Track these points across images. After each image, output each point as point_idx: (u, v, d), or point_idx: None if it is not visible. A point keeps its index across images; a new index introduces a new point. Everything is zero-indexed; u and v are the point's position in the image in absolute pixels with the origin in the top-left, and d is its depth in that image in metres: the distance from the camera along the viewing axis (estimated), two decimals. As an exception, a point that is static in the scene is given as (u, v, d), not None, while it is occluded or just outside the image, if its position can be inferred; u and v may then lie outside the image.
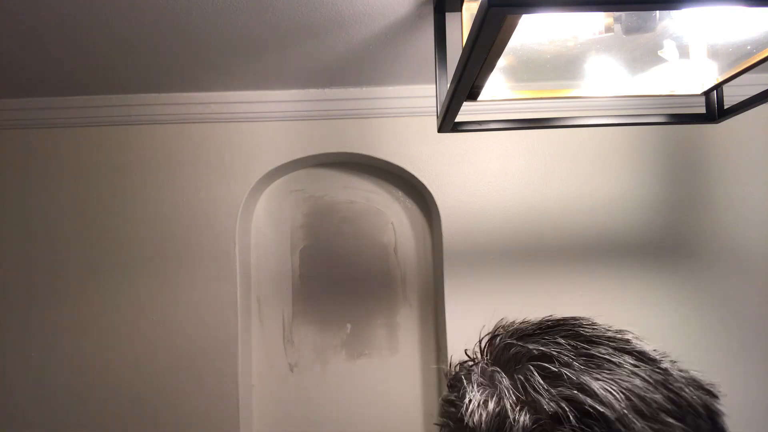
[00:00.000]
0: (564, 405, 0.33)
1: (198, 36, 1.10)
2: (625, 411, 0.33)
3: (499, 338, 0.43)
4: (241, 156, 1.46)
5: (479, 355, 0.44)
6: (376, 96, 1.42)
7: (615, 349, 0.38)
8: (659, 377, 0.36)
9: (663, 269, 1.44)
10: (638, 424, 0.33)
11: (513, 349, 0.40)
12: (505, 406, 0.35)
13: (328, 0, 0.98)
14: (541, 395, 0.35)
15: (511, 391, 0.36)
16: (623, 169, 1.46)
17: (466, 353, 0.45)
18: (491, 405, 0.36)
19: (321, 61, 1.25)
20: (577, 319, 0.42)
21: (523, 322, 0.44)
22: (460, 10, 0.84)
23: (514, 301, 1.43)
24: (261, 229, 1.60)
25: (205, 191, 1.45)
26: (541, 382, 0.35)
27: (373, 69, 1.30)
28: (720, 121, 1.00)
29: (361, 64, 1.27)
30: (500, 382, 0.37)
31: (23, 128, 1.45)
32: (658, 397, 0.34)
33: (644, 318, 1.43)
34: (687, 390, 0.36)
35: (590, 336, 0.39)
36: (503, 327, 0.45)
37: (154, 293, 1.43)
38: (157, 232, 1.44)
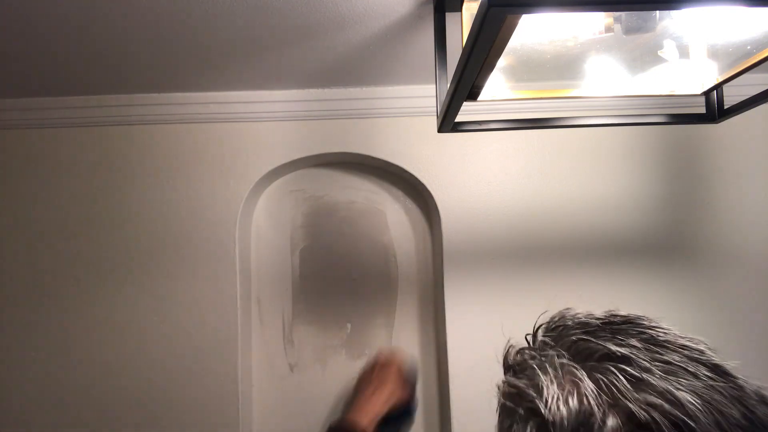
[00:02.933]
0: (655, 414, 0.33)
1: (198, 36, 1.10)
2: (709, 426, 0.32)
3: (561, 328, 0.42)
4: (241, 156, 1.46)
5: (541, 343, 0.42)
6: (376, 96, 1.42)
7: (689, 358, 0.38)
8: (735, 393, 0.36)
9: (663, 269, 1.44)
10: None
11: (586, 344, 0.39)
12: (591, 404, 0.34)
13: (328, 0, 0.98)
14: (629, 400, 0.34)
15: (596, 392, 0.35)
16: (623, 169, 1.46)
17: (526, 338, 0.44)
18: (574, 402, 0.35)
19: (321, 61, 1.25)
20: (643, 319, 0.42)
21: (587, 314, 0.44)
22: (460, 10, 0.84)
23: (514, 301, 1.43)
24: (261, 229, 1.60)
25: (205, 191, 1.45)
26: (627, 386, 0.35)
27: (373, 69, 1.30)
28: (720, 121, 1.00)
29: (361, 64, 1.27)
30: (581, 380, 0.36)
31: (23, 128, 1.45)
32: (735, 413, 0.34)
33: (644, 318, 1.43)
34: (759, 408, 0.36)
35: (664, 341, 0.39)
36: (569, 318, 0.44)
37: (153, 293, 1.43)
38: (156, 232, 1.44)
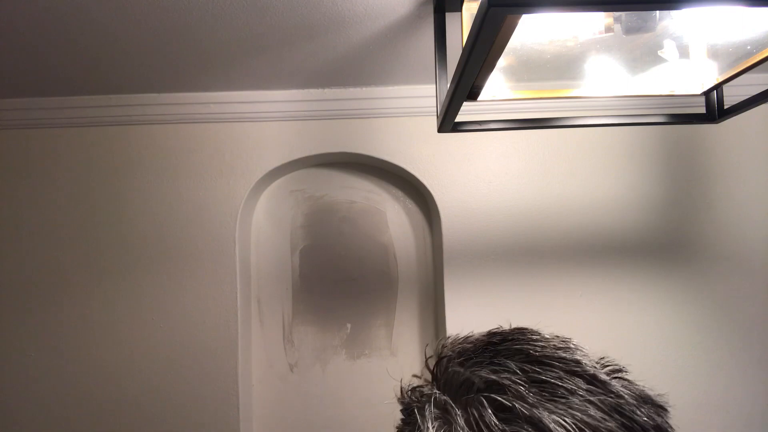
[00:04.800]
0: None
1: (198, 36, 1.10)
2: None
3: (446, 359, 0.42)
4: (241, 156, 1.46)
5: (431, 379, 0.43)
6: (376, 96, 1.42)
7: (566, 371, 0.37)
8: (612, 401, 0.36)
9: (663, 269, 1.44)
10: None
11: (462, 377, 0.39)
12: None
13: (328, 0, 0.98)
14: None
15: (465, 430, 0.35)
16: (623, 169, 1.46)
17: (415, 376, 0.44)
18: None
19: (321, 61, 1.25)
20: (525, 334, 0.42)
21: (467, 339, 0.43)
22: (460, 10, 0.84)
23: (514, 301, 1.43)
24: (261, 229, 1.60)
25: (205, 191, 1.45)
26: (494, 420, 0.35)
27: (373, 69, 1.30)
28: (720, 121, 1.00)
29: (361, 64, 1.27)
30: (454, 419, 0.36)
31: (23, 128, 1.45)
32: (612, 425, 0.34)
33: (644, 317, 1.43)
34: (638, 412, 0.36)
35: (540, 357, 0.39)
36: (449, 346, 0.44)
37: (153, 293, 1.42)
38: (156, 232, 1.44)
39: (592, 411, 0.35)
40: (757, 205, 1.46)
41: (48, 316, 1.42)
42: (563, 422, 0.33)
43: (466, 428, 0.35)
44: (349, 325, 1.59)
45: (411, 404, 0.41)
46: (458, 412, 0.36)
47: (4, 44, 1.10)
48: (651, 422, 0.36)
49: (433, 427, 0.37)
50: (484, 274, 1.44)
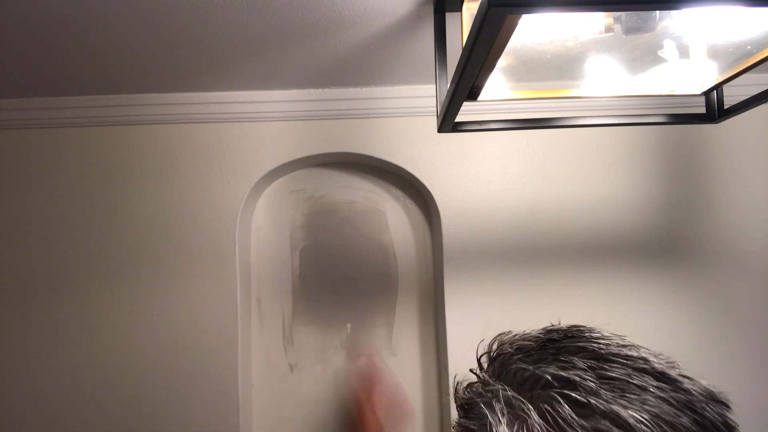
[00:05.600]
0: None
1: (198, 36, 1.10)
2: None
3: (503, 357, 0.42)
4: (241, 156, 1.46)
5: (485, 375, 0.42)
6: (376, 96, 1.42)
7: (635, 369, 0.37)
8: (683, 398, 0.36)
9: (663, 269, 1.44)
10: None
11: (527, 373, 0.39)
12: None
13: (328, 0, 0.98)
14: (575, 429, 0.34)
15: (542, 426, 0.35)
16: (623, 169, 1.46)
17: (472, 372, 0.43)
18: None
19: (321, 61, 1.25)
20: (583, 331, 0.41)
21: (525, 335, 0.43)
22: (460, 10, 0.84)
23: (514, 301, 1.43)
24: (261, 229, 1.60)
25: (205, 191, 1.45)
26: (573, 415, 0.34)
27: (373, 69, 1.30)
28: (720, 121, 1.00)
29: (361, 64, 1.27)
30: (527, 414, 0.36)
31: (23, 128, 1.45)
32: (685, 420, 0.34)
33: (644, 318, 1.43)
34: (708, 408, 0.36)
35: (606, 354, 0.39)
36: (506, 342, 0.43)
37: (153, 293, 1.43)
38: (156, 232, 1.44)
39: (666, 407, 0.35)
40: (757, 205, 1.46)
41: (48, 316, 1.42)
42: (641, 417, 0.33)
43: (542, 423, 0.35)
44: (349, 325, 1.59)
45: (473, 399, 0.40)
46: (530, 407, 0.36)
47: (4, 44, 1.10)
48: (720, 419, 0.36)
49: (504, 422, 0.36)
50: (484, 274, 1.44)
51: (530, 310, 1.42)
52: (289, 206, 1.62)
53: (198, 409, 1.40)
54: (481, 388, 0.40)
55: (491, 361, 0.42)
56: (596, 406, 0.34)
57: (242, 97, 1.42)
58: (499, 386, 0.39)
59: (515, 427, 0.35)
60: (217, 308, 1.42)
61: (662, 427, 0.33)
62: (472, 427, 0.39)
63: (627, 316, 1.43)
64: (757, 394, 1.42)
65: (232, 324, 1.42)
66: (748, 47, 0.79)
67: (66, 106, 1.42)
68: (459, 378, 0.43)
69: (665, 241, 1.45)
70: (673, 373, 0.38)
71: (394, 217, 1.61)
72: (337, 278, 1.59)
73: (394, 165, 1.48)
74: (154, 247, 1.43)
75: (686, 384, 0.37)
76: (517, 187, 1.46)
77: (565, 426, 0.34)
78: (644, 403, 0.34)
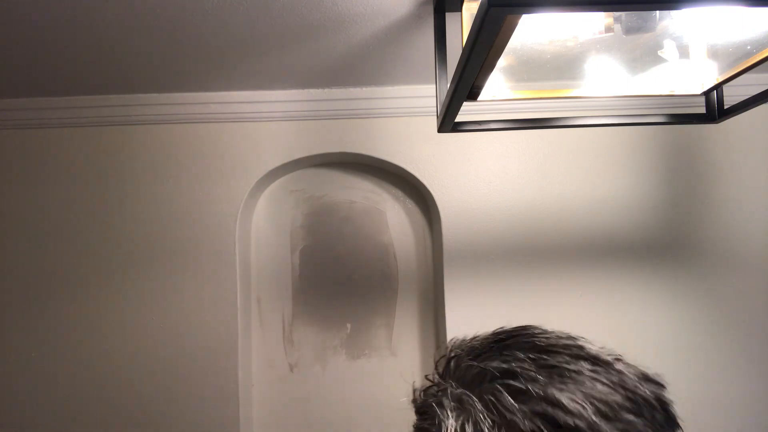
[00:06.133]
0: (538, 422, 0.35)
1: (198, 36, 1.10)
2: (593, 417, 0.35)
3: (455, 358, 0.44)
4: (241, 156, 1.46)
5: (440, 379, 0.44)
6: (376, 96, 1.42)
7: (571, 356, 0.40)
8: (615, 379, 0.38)
9: (663, 269, 1.44)
10: (605, 426, 0.35)
11: (475, 370, 0.41)
12: (483, 428, 0.36)
13: (328, 0, 0.98)
14: (515, 414, 0.36)
15: (485, 414, 0.37)
16: (623, 169, 1.46)
17: (427, 378, 0.45)
18: (469, 430, 0.37)
19: (321, 61, 1.25)
20: (528, 329, 0.44)
21: (474, 339, 0.45)
22: (460, 10, 0.84)
23: (514, 301, 1.43)
24: (261, 229, 1.60)
25: (205, 191, 1.45)
26: (512, 401, 0.37)
27: (373, 69, 1.30)
28: (720, 121, 1.00)
29: (361, 64, 1.27)
30: (472, 406, 0.38)
31: (23, 128, 1.45)
32: (618, 398, 0.37)
33: (644, 317, 1.43)
34: (640, 387, 0.39)
35: (546, 346, 0.41)
36: (458, 347, 0.45)
37: (154, 293, 1.43)
38: (156, 232, 1.44)
39: (599, 387, 0.38)
40: (757, 205, 1.46)
41: (48, 316, 1.42)
42: (575, 397, 0.36)
43: (485, 412, 0.37)
44: (349, 325, 1.59)
45: (426, 401, 0.42)
46: (475, 400, 0.38)
47: (4, 44, 1.10)
48: (653, 395, 0.39)
49: (452, 417, 0.38)
50: (484, 274, 1.44)
51: (530, 310, 1.42)
52: (289, 206, 1.62)
53: (198, 408, 1.40)
54: (436, 389, 0.43)
55: (446, 363, 0.45)
56: (535, 391, 0.37)
57: (242, 97, 1.42)
58: (449, 385, 0.41)
59: (460, 420, 0.38)
60: (217, 308, 1.42)
61: (595, 405, 0.36)
62: (426, 426, 0.41)
63: (627, 315, 1.43)
64: (757, 394, 1.42)
65: (232, 324, 1.42)
66: (748, 47, 0.79)
67: (66, 106, 1.42)
68: (417, 385, 0.46)
69: (665, 241, 1.45)
70: (607, 357, 0.40)
71: (394, 217, 1.61)
72: (337, 278, 1.59)
73: (394, 165, 1.48)
74: (154, 247, 1.43)
75: (619, 366, 0.40)
76: (517, 187, 1.46)
77: (506, 412, 0.36)
78: (579, 385, 0.37)
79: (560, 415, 0.35)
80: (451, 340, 0.47)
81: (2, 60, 1.18)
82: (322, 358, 1.57)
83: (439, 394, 0.41)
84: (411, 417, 0.45)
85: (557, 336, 0.42)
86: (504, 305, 1.43)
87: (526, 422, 0.35)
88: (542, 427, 0.35)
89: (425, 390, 0.44)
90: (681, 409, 0.41)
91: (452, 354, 0.45)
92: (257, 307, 1.58)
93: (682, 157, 1.47)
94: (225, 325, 1.42)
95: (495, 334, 0.45)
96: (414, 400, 0.45)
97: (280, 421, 1.54)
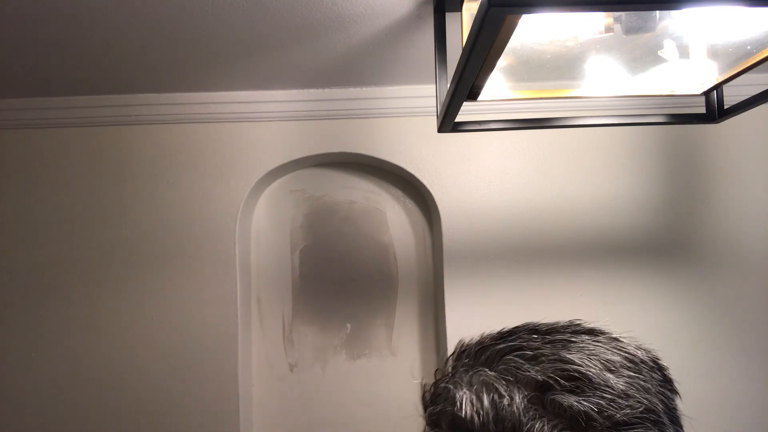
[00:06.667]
0: (551, 373, 0.38)
1: (198, 36, 1.10)
2: (600, 369, 0.39)
3: (466, 351, 0.46)
4: (241, 156, 1.46)
5: (451, 370, 0.46)
6: (376, 96, 1.42)
7: (571, 332, 0.44)
8: (615, 344, 0.42)
9: (663, 269, 1.44)
10: (612, 377, 0.39)
11: (483, 355, 0.43)
12: (498, 390, 0.39)
13: (328, 0, 0.98)
14: (528, 372, 0.39)
15: (499, 378, 0.40)
16: (623, 169, 1.46)
17: (435, 375, 0.47)
18: (485, 396, 0.39)
19: (321, 61, 1.25)
20: (529, 324, 0.47)
21: (483, 335, 0.47)
22: (460, 10, 0.84)
23: (514, 301, 1.43)
24: (261, 229, 1.60)
25: (205, 191, 1.45)
26: (523, 363, 0.40)
27: (373, 69, 1.30)
28: (720, 121, 1.00)
29: (360, 64, 1.27)
30: (487, 375, 0.40)
31: (23, 128, 1.45)
32: (618, 358, 0.40)
33: (644, 317, 1.43)
34: (638, 351, 0.42)
35: (548, 329, 0.45)
36: (466, 344, 0.47)
37: (153, 293, 1.43)
38: (156, 232, 1.44)
39: (600, 349, 0.41)
40: (757, 205, 1.46)
41: (48, 316, 1.42)
42: (581, 356, 0.40)
43: (501, 380, 0.39)
44: (349, 325, 1.59)
45: (437, 388, 0.44)
46: (490, 373, 0.41)
47: (4, 44, 1.10)
48: (649, 357, 0.43)
49: (467, 389, 0.40)
50: (484, 274, 1.44)
51: (530, 310, 1.42)
52: (289, 206, 1.62)
53: (198, 408, 1.40)
54: (447, 378, 0.44)
55: (455, 360, 0.47)
56: (543, 353, 0.41)
57: (242, 97, 1.42)
58: (462, 370, 0.43)
59: (474, 388, 0.40)
60: (217, 308, 1.42)
61: (600, 362, 0.39)
62: (439, 407, 0.42)
63: (627, 315, 1.42)
64: (757, 394, 1.42)
65: (232, 324, 1.42)
66: (748, 47, 0.79)
67: (66, 106, 1.42)
68: (425, 382, 0.47)
69: (665, 241, 1.45)
70: (602, 329, 0.44)
71: (394, 217, 1.61)
72: (337, 278, 1.59)
73: (394, 165, 1.48)
74: (154, 247, 1.43)
75: (615, 334, 0.44)
76: (517, 187, 1.46)
77: (518, 372, 0.39)
78: (583, 350, 0.41)
79: (572, 367, 0.38)
80: (458, 342, 0.48)
81: (2, 60, 1.18)
82: (322, 358, 1.57)
83: (454, 378, 0.43)
84: (411, 414, 0.45)
85: (558, 323, 0.46)
86: (504, 305, 1.43)
87: (539, 375, 0.38)
88: (556, 378, 0.38)
89: (434, 383, 0.45)
90: (682, 408, 0.42)
91: (461, 351, 0.47)
92: (257, 307, 1.58)
93: (682, 157, 1.47)
94: (225, 325, 1.42)
95: (499, 332, 0.47)
96: (423, 396, 0.46)
97: (280, 421, 1.54)
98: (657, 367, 0.42)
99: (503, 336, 0.45)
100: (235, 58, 1.21)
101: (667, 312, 1.43)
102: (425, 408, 0.45)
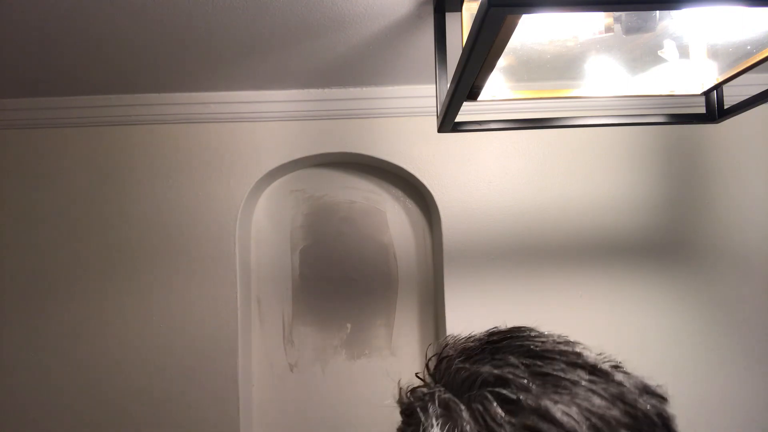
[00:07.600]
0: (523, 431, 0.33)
1: (198, 36, 1.10)
2: (585, 429, 0.33)
3: (447, 359, 0.42)
4: (241, 156, 1.46)
5: (429, 378, 0.43)
6: (376, 96, 1.42)
7: (567, 363, 0.38)
8: (615, 391, 0.36)
9: (663, 269, 1.44)
10: None
11: (465, 373, 0.39)
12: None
13: (328, 0, 0.98)
14: (503, 427, 0.34)
15: (471, 425, 0.35)
16: (623, 169, 1.46)
17: (417, 376, 0.44)
18: None
19: (321, 61, 1.25)
20: (524, 331, 0.42)
21: (469, 338, 0.44)
22: (460, 10, 0.84)
23: (514, 301, 1.43)
24: (261, 229, 1.60)
25: (205, 191, 1.45)
26: (501, 412, 0.35)
27: (373, 69, 1.30)
28: (720, 121, 1.00)
29: (361, 64, 1.27)
30: (459, 415, 0.36)
31: (23, 128, 1.45)
32: (615, 413, 0.35)
33: (644, 317, 1.43)
34: (641, 401, 0.36)
35: (541, 351, 0.39)
36: (451, 346, 0.44)
37: (153, 293, 1.42)
38: (157, 232, 1.44)
39: (596, 400, 0.35)
40: (757, 205, 1.46)
41: (48, 316, 1.42)
42: (569, 411, 0.34)
43: (471, 422, 0.35)
44: (349, 325, 1.59)
45: (412, 405, 0.41)
46: (462, 408, 0.36)
47: (4, 44, 1.10)
48: (654, 410, 0.36)
49: (437, 425, 0.36)
50: (484, 274, 1.44)
51: (530, 310, 1.42)
52: (289, 206, 1.62)
53: (198, 408, 1.40)
54: (422, 392, 0.41)
55: (438, 363, 0.43)
56: (526, 402, 0.35)
57: (242, 97, 1.42)
58: (437, 389, 0.40)
59: (446, 429, 0.36)
60: (217, 308, 1.42)
61: (591, 420, 0.34)
62: (408, 430, 0.39)
63: (627, 315, 1.43)
64: (757, 394, 1.42)
65: (232, 324, 1.42)
66: (748, 47, 0.79)
67: (66, 106, 1.42)
68: (403, 383, 0.44)
69: (665, 241, 1.45)
70: (606, 366, 0.38)
71: (394, 217, 1.61)
72: (337, 278, 1.59)
73: (394, 165, 1.48)
74: (154, 247, 1.43)
75: (619, 377, 0.37)
76: (517, 187, 1.46)
77: (494, 425, 0.34)
78: (574, 397, 0.35)
79: (552, 429, 0.33)
80: (447, 337, 0.45)
81: (2, 60, 1.18)
82: (322, 358, 1.57)
83: (426, 398, 0.39)
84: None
85: (554, 341, 0.40)
86: (504, 305, 1.43)
87: None
88: None
89: (412, 390, 0.43)
90: (682, 409, 0.39)
91: (444, 354, 0.43)
92: (257, 307, 1.58)
93: (682, 157, 1.47)
94: (225, 325, 1.42)
95: (489, 334, 0.43)
96: (400, 400, 0.43)
97: (280, 421, 1.54)
98: (661, 422, 0.36)
99: (492, 349, 0.40)
100: (235, 58, 1.21)
101: (667, 312, 1.43)
102: (401, 412, 0.43)
